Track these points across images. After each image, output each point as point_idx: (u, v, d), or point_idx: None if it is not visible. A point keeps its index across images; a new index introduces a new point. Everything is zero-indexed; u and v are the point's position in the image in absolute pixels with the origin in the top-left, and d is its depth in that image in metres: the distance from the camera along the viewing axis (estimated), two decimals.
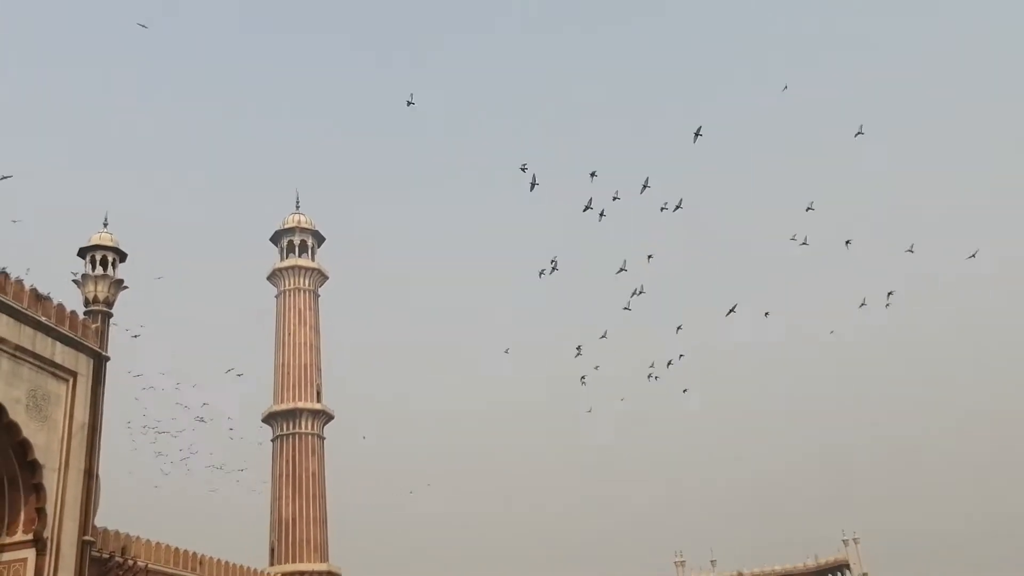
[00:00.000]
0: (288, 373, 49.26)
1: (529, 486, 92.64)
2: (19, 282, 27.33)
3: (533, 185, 33.01)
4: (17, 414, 26.08)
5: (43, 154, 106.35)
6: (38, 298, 27.97)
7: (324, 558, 45.74)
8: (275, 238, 53.45)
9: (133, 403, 41.64)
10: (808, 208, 36.46)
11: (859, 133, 34.92)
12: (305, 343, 50.18)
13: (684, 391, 50.84)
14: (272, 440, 48.45)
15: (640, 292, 38.01)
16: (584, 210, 34.31)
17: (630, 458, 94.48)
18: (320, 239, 53.78)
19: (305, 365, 49.56)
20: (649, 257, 38.11)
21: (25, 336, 26.93)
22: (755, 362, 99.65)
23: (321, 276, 52.84)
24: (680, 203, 35.49)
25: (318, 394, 49.37)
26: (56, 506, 26.84)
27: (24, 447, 26.28)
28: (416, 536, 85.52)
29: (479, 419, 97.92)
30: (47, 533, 26.31)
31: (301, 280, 51.75)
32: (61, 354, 28.34)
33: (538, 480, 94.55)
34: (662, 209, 35.49)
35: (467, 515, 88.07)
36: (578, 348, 41.58)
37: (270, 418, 48.54)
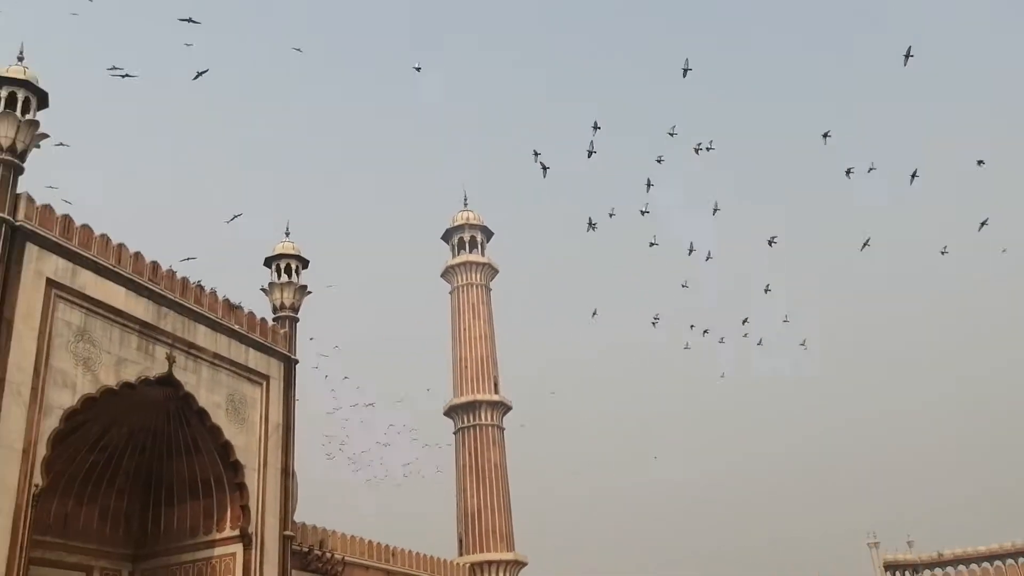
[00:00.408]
0: (466, 366, 50.21)
1: (711, 458, 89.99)
2: (213, 293, 29.04)
3: (545, 169, 34.33)
4: (218, 418, 27.77)
5: (215, 159, 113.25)
6: (231, 308, 29.63)
7: (510, 547, 46.33)
8: (446, 236, 54.64)
9: (326, 418, 44.30)
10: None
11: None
12: (480, 336, 50.98)
13: (802, 343, 47.56)
14: (454, 433, 49.54)
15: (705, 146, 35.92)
16: (589, 156, 33.90)
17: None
18: (488, 234, 54.55)
19: (481, 358, 50.35)
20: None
21: (221, 344, 28.62)
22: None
23: (491, 270, 53.55)
24: (711, 144, 34.76)
25: (495, 385, 50.06)
26: (258, 503, 28.41)
27: (227, 448, 27.96)
28: (600, 521, 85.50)
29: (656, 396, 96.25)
30: (252, 529, 27.89)
31: (473, 275, 52.63)
32: (254, 359, 29.95)
33: (715, 452, 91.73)
34: (696, 150, 34.90)
35: (649, 495, 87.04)
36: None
37: (451, 411, 49.65)
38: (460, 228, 54.02)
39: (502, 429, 49.34)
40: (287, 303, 32.80)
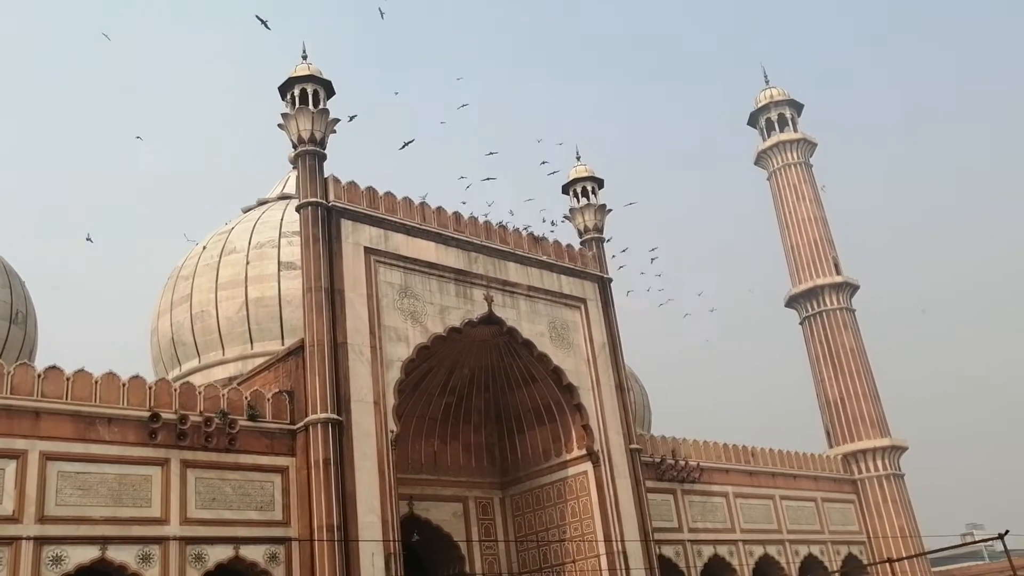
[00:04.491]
0: (799, 252, 47.36)
1: None
2: (516, 230, 29.98)
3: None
4: (544, 346, 28.78)
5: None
6: (535, 240, 30.44)
7: (884, 433, 43.32)
8: (752, 120, 51.60)
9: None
10: None
11: None
12: (808, 218, 47.73)
13: None
14: (799, 323, 47.12)
15: None
16: None
17: None
18: (798, 107, 50.69)
19: (814, 240, 47.16)
20: None
21: (533, 276, 29.56)
22: None
23: (809, 145, 49.73)
24: None
25: (836, 267, 46.69)
26: (598, 421, 29.14)
27: (558, 373, 28.94)
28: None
29: None
30: (597, 447, 28.71)
31: (788, 155, 49.25)
32: (567, 285, 30.60)
33: None
34: None
35: None
36: None
37: (792, 301, 47.23)
38: (766, 108, 50.72)
39: (852, 311, 45.99)
40: (590, 225, 32.99)
